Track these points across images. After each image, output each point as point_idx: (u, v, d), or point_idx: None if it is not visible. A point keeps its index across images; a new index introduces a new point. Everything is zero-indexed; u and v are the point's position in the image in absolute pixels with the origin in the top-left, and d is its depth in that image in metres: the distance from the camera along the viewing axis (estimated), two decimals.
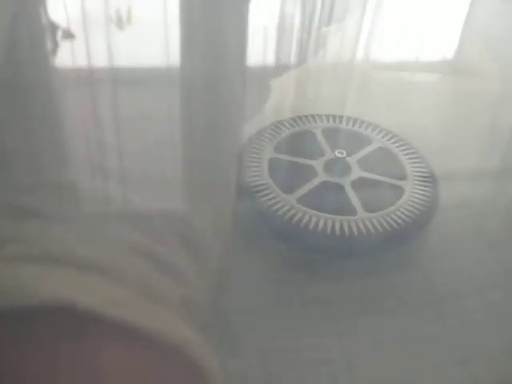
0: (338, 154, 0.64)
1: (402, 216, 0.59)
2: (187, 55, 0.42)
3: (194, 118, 0.40)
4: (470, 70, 0.78)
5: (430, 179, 0.63)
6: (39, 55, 0.38)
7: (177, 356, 0.26)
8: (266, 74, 0.56)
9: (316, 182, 0.62)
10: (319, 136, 0.67)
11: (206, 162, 0.39)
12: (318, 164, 0.63)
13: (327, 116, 0.69)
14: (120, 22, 0.40)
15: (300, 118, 0.68)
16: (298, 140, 0.67)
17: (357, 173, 0.63)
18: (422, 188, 0.62)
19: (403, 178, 0.63)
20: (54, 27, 0.39)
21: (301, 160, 0.64)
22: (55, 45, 0.39)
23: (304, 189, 0.61)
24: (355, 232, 0.57)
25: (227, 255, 0.39)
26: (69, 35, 0.39)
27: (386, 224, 0.58)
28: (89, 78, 0.40)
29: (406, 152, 0.66)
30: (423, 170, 0.64)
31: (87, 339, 0.25)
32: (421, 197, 0.61)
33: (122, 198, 0.33)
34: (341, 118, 0.69)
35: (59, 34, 0.39)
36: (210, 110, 0.41)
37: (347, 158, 0.64)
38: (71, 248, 0.28)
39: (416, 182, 0.62)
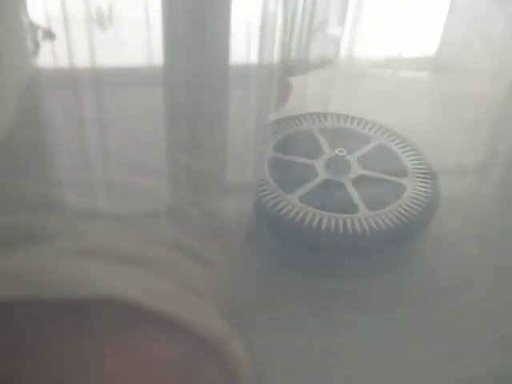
0: (338, 153, 0.63)
1: (405, 213, 0.59)
2: (170, 54, 0.42)
3: (180, 116, 0.40)
4: (463, 67, 0.78)
5: (430, 175, 0.63)
6: (20, 55, 0.38)
7: (215, 350, 0.27)
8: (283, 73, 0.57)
9: (317, 180, 0.62)
10: (317, 135, 0.67)
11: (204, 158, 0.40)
12: (318, 163, 0.63)
13: (325, 114, 0.69)
14: (102, 22, 0.40)
15: (297, 117, 0.68)
16: (296, 139, 0.67)
17: (357, 171, 0.63)
18: (423, 184, 0.62)
19: (404, 174, 0.63)
20: (34, 27, 0.39)
21: (301, 159, 0.64)
22: (36, 45, 0.39)
23: (305, 188, 0.61)
24: (359, 230, 0.57)
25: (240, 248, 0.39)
26: (49, 35, 0.39)
27: (388, 221, 0.57)
28: (70, 78, 0.40)
29: (405, 149, 0.67)
30: (423, 166, 0.64)
31: (136, 332, 0.25)
32: (422, 193, 0.61)
33: (156, 194, 0.33)
34: (338, 116, 0.69)
35: (40, 34, 0.39)
36: (195, 107, 0.41)
37: (347, 157, 0.64)
38: (117, 243, 0.29)
39: (417, 179, 0.62)
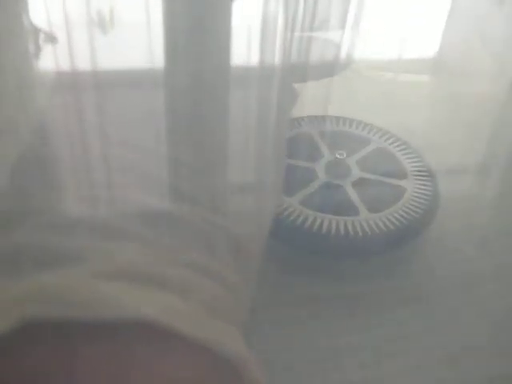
0: (338, 156, 0.64)
1: (405, 214, 0.59)
2: (171, 56, 0.42)
3: (178, 117, 0.41)
4: (463, 68, 0.78)
5: (430, 176, 0.63)
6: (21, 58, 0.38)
7: (236, 371, 0.28)
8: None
9: (317, 183, 0.62)
10: (317, 138, 0.67)
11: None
12: (318, 166, 0.63)
13: (324, 117, 0.69)
14: (103, 25, 0.40)
15: (297, 120, 0.69)
16: (296, 142, 0.67)
17: (357, 173, 0.63)
18: (423, 186, 0.62)
19: (403, 176, 0.63)
20: (36, 30, 0.39)
21: (301, 162, 0.64)
22: (38, 48, 0.39)
23: (306, 191, 0.61)
24: (359, 232, 0.57)
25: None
26: (51, 38, 0.39)
27: (389, 223, 0.57)
28: (72, 80, 0.40)
29: (404, 151, 0.67)
30: (422, 167, 0.64)
31: (164, 353, 0.26)
32: (422, 194, 0.61)
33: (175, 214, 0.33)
34: (338, 119, 0.69)
35: (41, 37, 0.39)
36: (195, 109, 0.41)
37: (347, 159, 0.64)
38: (143, 265, 0.29)
39: (416, 180, 0.63)
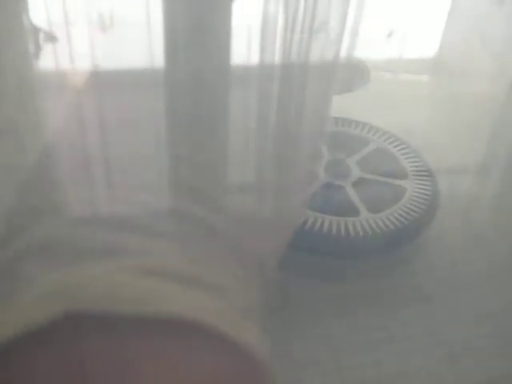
0: (337, 156, 0.64)
1: (405, 214, 0.59)
2: (171, 56, 0.42)
3: (180, 117, 0.41)
4: (463, 68, 0.78)
5: (429, 176, 0.63)
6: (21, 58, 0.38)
7: (262, 371, 0.28)
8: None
9: (317, 184, 0.62)
10: None
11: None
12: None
13: None
14: (103, 24, 0.40)
15: None
16: None
17: (357, 174, 0.63)
18: (423, 186, 0.62)
19: (403, 176, 0.63)
20: (36, 30, 0.39)
21: None
22: (38, 48, 0.39)
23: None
24: (360, 232, 0.57)
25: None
26: (51, 38, 0.39)
27: (389, 223, 0.58)
28: (72, 80, 0.40)
29: (403, 151, 0.67)
30: (421, 167, 0.64)
31: (207, 353, 0.26)
32: (422, 194, 0.61)
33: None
34: (337, 119, 0.69)
35: (42, 36, 0.39)
36: (195, 109, 0.41)
37: (346, 160, 0.65)
38: (178, 263, 0.30)
39: (416, 180, 0.62)
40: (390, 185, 0.62)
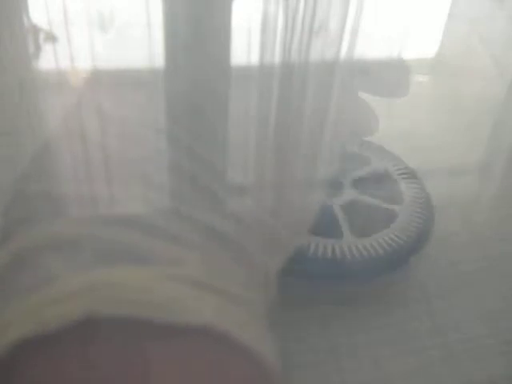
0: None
1: (390, 242, 0.55)
2: (171, 56, 0.42)
3: (179, 121, 0.41)
4: (463, 69, 0.78)
5: (426, 205, 0.59)
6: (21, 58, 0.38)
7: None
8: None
9: None
10: None
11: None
12: None
13: None
14: (103, 24, 0.40)
15: None
16: None
17: (350, 194, 0.59)
18: (416, 214, 0.58)
19: (399, 202, 0.59)
20: (36, 30, 0.39)
21: None
22: (38, 48, 0.39)
23: None
24: (348, 256, 0.53)
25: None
26: (51, 38, 0.39)
27: (371, 249, 0.54)
28: (72, 80, 0.40)
29: (404, 175, 0.62)
30: (420, 195, 0.60)
31: (231, 363, 0.26)
32: (414, 222, 0.57)
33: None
34: None
35: (41, 36, 0.39)
36: (195, 111, 0.41)
37: (340, 178, 0.60)
38: (205, 274, 0.29)
39: (411, 207, 0.59)
40: (381, 209, 0.59)
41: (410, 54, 0.78)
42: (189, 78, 0.42)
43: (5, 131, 0.36)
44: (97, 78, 0.40)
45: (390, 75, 0.55)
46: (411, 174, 0.62)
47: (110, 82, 0.40)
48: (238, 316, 0.28)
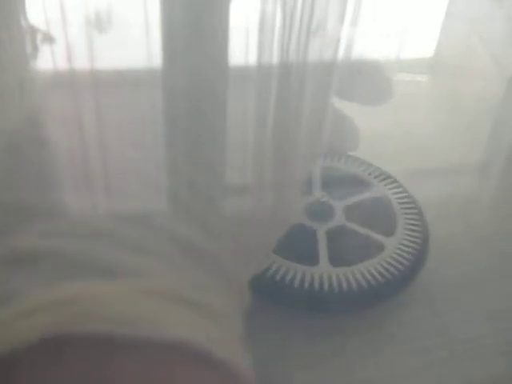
0: (320, 198, 0.56)
1: (368, 276, 0.51)
2: (169, 55, 0.42)
3: (177, 121, 0.40)
4: (461, 68, 0.78)
5: (420, 242, 0.55)
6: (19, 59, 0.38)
7: None
8: None
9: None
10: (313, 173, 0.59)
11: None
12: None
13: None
14: (100, 24, 0.40)
15: None
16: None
17: (340, 220, 0.55)
18: (405, 248, 0.54)
19: (389, 233, 0.55)
20: (33, 31, 0.39)
21: None
22: (35, 48, 0.39)
23: None
24: (325, 286, 0.50)
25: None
26: (49, 38, 0.39)
27: (345, 281, 0.51)
28: (70, 80, 0.40)
29: (403, 205, 0.59)
30: (415, 228, 0.56)
31: (196, 377, 0.25)
32: (401, 258, 0.53)
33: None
34: (346, 156, 0.62)
35: (39, 37, 0.39)
36: (193, 111, 0.41)
37: (332, 203, 0.56)
38: (179, 287, 0.28)
39: (402, 240, 0.54)
40: (368, 239, 0.55)
41: (408, 53, 0.78)
42: (187, 78, 0.42)
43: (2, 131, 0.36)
44: (94, 78, 0.40)
45: (364, 80, 0.52)
46: (411, 204, 0.58)
47: (107, 82, 0.40)
48: (213, 330, 0.27)
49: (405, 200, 0.59)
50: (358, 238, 0.54)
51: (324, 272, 0.50)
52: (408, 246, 0.54)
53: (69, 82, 0.40)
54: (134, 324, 0.24)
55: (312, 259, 0.52)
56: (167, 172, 0.38)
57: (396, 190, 0.60)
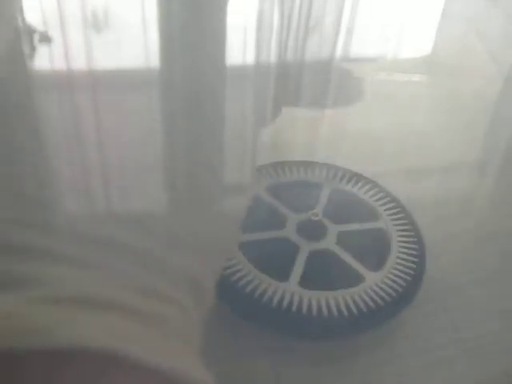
0: (312, 217, 0.54)
1: (337, 304, 0.49)
2: (167, 56, 0.42)
3: (174, 122, 0.40)
4: (455, 67, 0.78)
5: (408, 281, 0.52)
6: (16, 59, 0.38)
7: None
8: None
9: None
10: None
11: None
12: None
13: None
14: (97, 25, 0.40)
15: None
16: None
17: (327, 243, 0.53)
18: (385, 289, 0.51)
19: (374, 268, 0.52)
20: (30, 31, 0.39)
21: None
22: (32, 48, 0.39)
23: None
24: (284, 304, 0.48)
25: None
26: (46, 38, 0.39)
27: (312, 306, 0.48)
28: (68, 81, 0.40)
29: (402, 237, 0.56)
30: (407, 265, 0.53)
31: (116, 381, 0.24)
32: (377, 296, 0.50)
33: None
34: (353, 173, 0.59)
35: (36, 37, 0.39)
36: (191, 112, 0.41)
37: (327, 224, 0.54)
38: (94, 290, 0.27)
39: (384, 279, 0.52)
40: (349, 268, 0.52)
41: (405, 53, 0.78)
42: (184, 77, 0.42)
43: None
44: (91, 78, 0.40)
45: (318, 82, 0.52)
46: (412, 238, 0.55)
47: (104, 83, 0.40)
48: (135, 332, 0.26)
49: (405, 233, 0.56)
50: (339, 265, 0.52)
51: (291, 291, 0.49)
52: (388, 286, 0.51)
53: (66, 81, 0.40)
54: (20, 335, 0.23)
55: (283, 275, 0.50)
56: (165, 169, 0.38)
57: (398, 222, 0.57)
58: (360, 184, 0.59)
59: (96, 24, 0.41)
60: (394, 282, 0.51)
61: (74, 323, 0.25)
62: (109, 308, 0.27)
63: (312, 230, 0.53)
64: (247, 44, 0.47)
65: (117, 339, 0.25)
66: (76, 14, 0.40)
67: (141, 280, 0.29)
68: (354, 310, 0.48)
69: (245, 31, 0.45)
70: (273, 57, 0.45)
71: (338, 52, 0.51)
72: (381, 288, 0.50)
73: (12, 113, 0.35)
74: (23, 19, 0.38)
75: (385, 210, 0.57)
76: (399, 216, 0.57)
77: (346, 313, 0.48)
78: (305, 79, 0.50)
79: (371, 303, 0.49)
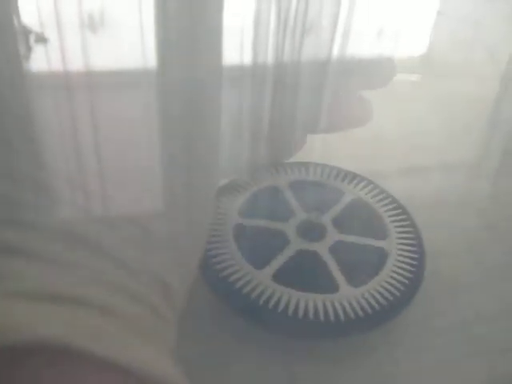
0: (314, 219, 0.54)
1: (389, 289, 0.49)
2: (164, 57, 0.42)
3: (170, 123, 0.40)
4: (451, 66, 0.78)
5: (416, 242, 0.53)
6: (12, 60, 0.38)
7: None
8: None
9: (290, 250, 0.51)
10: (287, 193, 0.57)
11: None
12: (288, 227, 0.53)
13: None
14: (93, 25, 0.40)
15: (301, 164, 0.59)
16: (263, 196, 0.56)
17: (333, 235, 0.53)
18: (407, 252, 0.52)
19: (383, 237, 0.53)
20: (26, 31, 0.39)
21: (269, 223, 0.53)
22: (28, 49, 0.39)
23: (277, 261, 0.50)
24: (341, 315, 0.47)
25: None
26: (42, 39, 0.39)
27: (373, 302, 0.48)
28: (63, 81, 0.40)
29: (386, 207, 0.57)
30: (407, 228, 0.54)
31: (75, 378, 0.24)
32: (407, 262, 0.51)
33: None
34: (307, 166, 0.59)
35: (32, 38, 0.39)
36: (187, 113, 0.41)
37: (320, 219, 0.54)
38: (53, 285, 0.27)
39: (399, 241, 0.53)
40: (369, 248, 0.53)
41: (401, 52, 0.78)
42: (181, 79, 0.42)
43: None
44: (88, 79, 0.40)
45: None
46: (392, 202, 0.56)
47: (101, 83, 0.40)
48: (95, 327, 0.26)
49: (382, 197, 0.57)
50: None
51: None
52: (403, 262, 0.51)
53: (62, 82, 0.40)
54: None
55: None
56: (162, 172, 0.38)
57: (370, 191, 0.57)
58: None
59: (92, 25, 0.41)
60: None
61: (35, 319, 0.24)
62: (81, 304, 0.26)
63: (309, 231, 0.53)
64: (244, 45, 0.46)
65: (79, 334, 0.24)
66: (72, 14, 0.40)
67: (113, 279, 0.29)
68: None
69: (242, 32, 0.45)
70: (270, 58, 0.45)
71: (335, 53, 0.50)
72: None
73: (6, 113, 0.35)
74: (19, 20, 0.38)
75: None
76: (364, 184, 0.58)
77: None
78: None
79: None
